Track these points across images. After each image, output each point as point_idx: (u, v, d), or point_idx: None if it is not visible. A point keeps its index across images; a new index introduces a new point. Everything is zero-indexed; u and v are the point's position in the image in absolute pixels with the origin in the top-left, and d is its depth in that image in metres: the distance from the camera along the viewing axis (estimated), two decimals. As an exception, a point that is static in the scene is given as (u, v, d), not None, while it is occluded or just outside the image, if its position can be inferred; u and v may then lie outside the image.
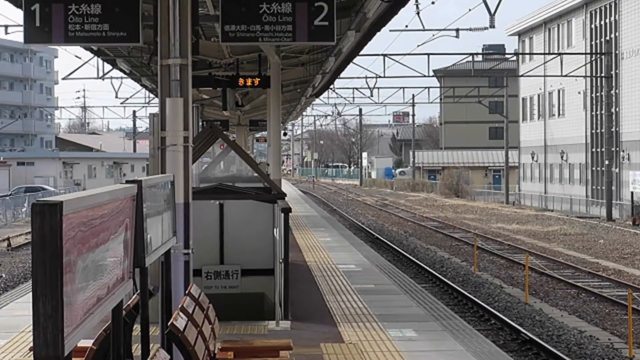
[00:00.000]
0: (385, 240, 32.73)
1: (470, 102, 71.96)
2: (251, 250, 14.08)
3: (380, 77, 47.90)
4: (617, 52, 48.95)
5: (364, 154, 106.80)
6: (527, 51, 63.60)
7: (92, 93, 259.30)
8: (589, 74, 51.40)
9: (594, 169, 52.61)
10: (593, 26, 52.53)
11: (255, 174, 15.97)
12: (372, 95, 58.41)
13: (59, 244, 2.99)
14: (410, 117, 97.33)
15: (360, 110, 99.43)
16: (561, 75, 49.24)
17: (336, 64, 21.92)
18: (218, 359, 7.57)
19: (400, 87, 64.47)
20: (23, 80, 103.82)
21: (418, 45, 77.09)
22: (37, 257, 2.97)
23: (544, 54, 55.88)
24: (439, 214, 49.86)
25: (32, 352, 8.88)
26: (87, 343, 5.29)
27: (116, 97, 54.98)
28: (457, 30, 39.18)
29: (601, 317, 18.62)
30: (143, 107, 70.39)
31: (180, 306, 6.43)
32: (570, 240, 34.41)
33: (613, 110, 48.03)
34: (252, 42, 9.72)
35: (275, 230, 13.68)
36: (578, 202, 53.45)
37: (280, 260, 12.92)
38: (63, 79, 42.55)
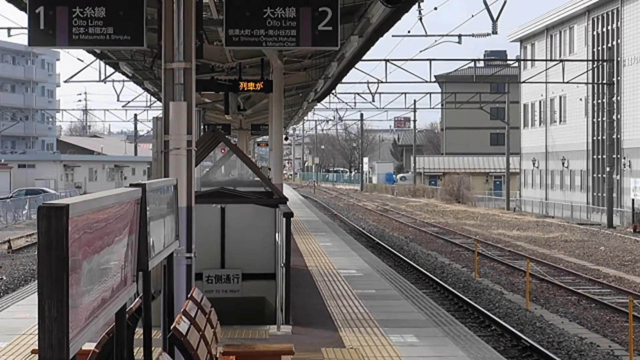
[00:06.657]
0: (386, 246, 32.72)
1: (472, 108, 71.97)
2: (252, 254, 14.08)
3: (382, 82, 47.89)
4: (619, 59, 48.97)
5: (365, 159, 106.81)
6: (528, 57, 63.61)
7: (94, 96, 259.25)
8: (590, 80, 51.40)
9: (595, 175, 52.59)
10: (595, 33, 52.55)
11: (257, 178, 15.98)
12: (373, 101, 58.59)
13: (65, 246, 2.99)
14: (412, 122, 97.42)
15: (362, 115, 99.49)
16: (563, 82, 49.24)
17: (338, 68, 21.94)
18: (219, 363, 7.56)
19: (402, 93, 64.25)
20: (25, 83, 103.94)
21: (420, 51, 75.86)
22: (43, 259, 2.97)
23: (546, 60, 55.89)
24: (439, 219, 49.84)
25: (34, 355, 8.82)
26: (90, 346, 5.28)
27: (118, 100, 55.04)
28: (460, 36, 39.10)
29: (602, 324, 18.61)
30: (144, 110, 70.49)
31: (182, 310, 6.42)
32: (571, 247, 34.38)
33: (614, 117, 48.04)
34: (256, 46, 9.72)
35: (276, 234, 13.67)
36: (579, 209, 53.42)
37: (282, 265, 12.91)
38: (65, 81, 42.46)
